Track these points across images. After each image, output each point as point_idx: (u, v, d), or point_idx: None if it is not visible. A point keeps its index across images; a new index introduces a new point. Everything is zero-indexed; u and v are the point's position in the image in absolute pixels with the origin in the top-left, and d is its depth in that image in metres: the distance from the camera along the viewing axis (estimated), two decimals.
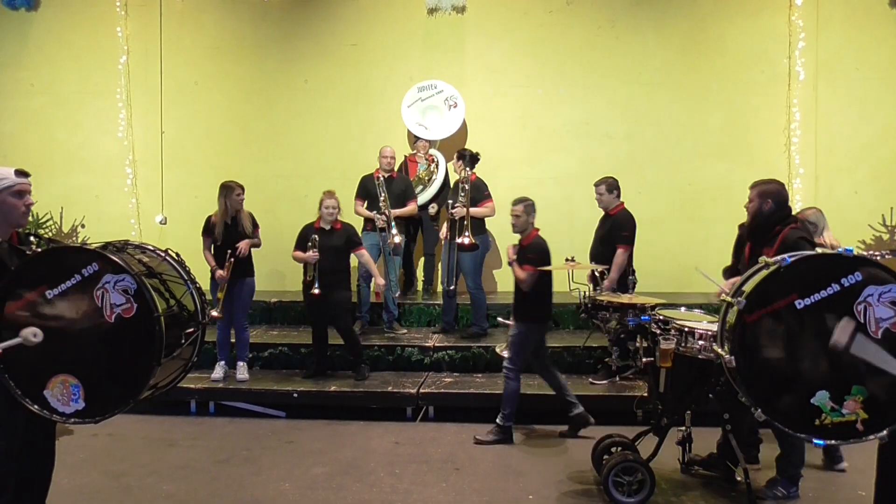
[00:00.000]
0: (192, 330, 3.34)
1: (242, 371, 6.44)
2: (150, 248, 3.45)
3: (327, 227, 6.38)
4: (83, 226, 8.72)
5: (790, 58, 8.14)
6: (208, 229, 6.40)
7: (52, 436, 3.37)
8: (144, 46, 8.80)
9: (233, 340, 6.57)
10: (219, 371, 6.42)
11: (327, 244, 6.28)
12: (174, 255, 3.48)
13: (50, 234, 8.27)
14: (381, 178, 7.16)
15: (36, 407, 3.01)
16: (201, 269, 6.34)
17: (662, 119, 8.41)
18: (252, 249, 6.45)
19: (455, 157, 7.17)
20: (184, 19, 8.80)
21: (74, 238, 8.58)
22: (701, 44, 8.35)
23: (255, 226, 6.53)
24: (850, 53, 8.11)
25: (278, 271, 8.14)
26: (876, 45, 8.06)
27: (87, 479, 4.75)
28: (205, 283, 6.29)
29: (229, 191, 6.36)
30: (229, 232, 6.33)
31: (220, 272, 6.26)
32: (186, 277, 3.43)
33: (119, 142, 8.91)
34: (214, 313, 6.27)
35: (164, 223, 8.67)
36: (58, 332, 2.97)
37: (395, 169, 7.56)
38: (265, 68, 8.79)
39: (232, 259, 6.22)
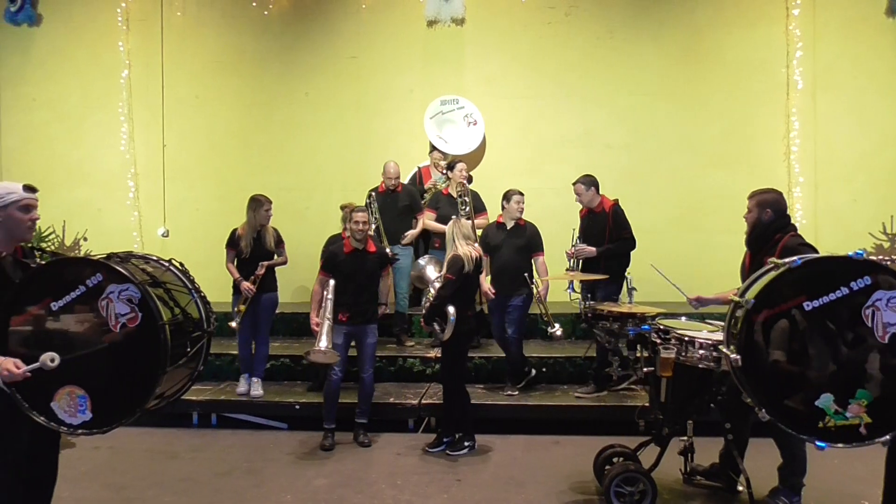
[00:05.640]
0: (197, 334, 3.34)
1: (256, 387, 6.34)
2: (154, 258, 3.44)
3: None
4: (85, 239, 8.75)
5: (788, 67, 8.19)
6: (233, 242, 6.30)
7: (55, 448, 3.38)
8: (146, 60, 8.88)
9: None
10: (244, 385, 6.37)
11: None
12: (178, 264, 3.47)
13: (53, 247, 8.30)
14: (373, 196, 7.21)
15: (43, 419, 3.00)
16: (205, 280, 6.35)
17: (662, 129, 8.45)
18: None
19: (457, 169, 7.22)
20: (185, 33, 8.87)
21: (77, 251, 8.61)
22: (699, 54, 8.39)
23: (280, 242, 6.44)
24: (848, 62, 8.15)
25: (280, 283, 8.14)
26: (873, 54, 8.10)
27: (89, 492, 4.75)
28: (226, 295, 6.35)
29: (258, 205, 6.24)
30: (255, 245, 6.25)
31: (246, 284, 6.18)
32: (191, 286, 3.42)
33: (121, 155, 8.97)
34: (233, 324, 6.27)
35: (166, 236, 8.71)
36: (63, 343, 2.96)
37: (406, 180, 7.71)
38: (266, 81, 8.85)
39: (259, 273, 6.17)
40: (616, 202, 6.22)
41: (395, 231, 7.16)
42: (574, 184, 6.27)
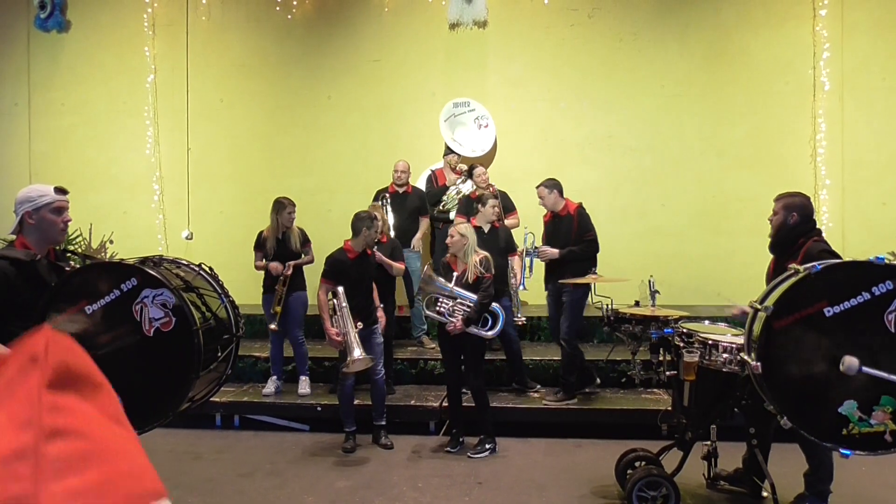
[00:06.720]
0: (227, 338, 3.37)
1: (304, 386, 6.44)
2: (185, 262, 3.51)
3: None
4: (111, 241, 8.85)
5: (815, 68, 8.08)
6: (259, 244, 6.43)
7: None
8: (171, 65, 8.98)
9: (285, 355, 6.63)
10: (271, 386, 6.46)
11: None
12: (207, 269, 3.52)
13: (80, 249, 8.41)
14: (387, 197, 7.22)
15: None
16: (229, 282, 6.39)
17: (686, 131, 8.38)
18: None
19: (476, 174, 7.22)
20: (209, 38, 8.97)
21: (103, 254, 8.72)
22: (725, 55, 8.31)
23: (306, 241, 6.54)
24: (876, 63, 8.03)
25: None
26: None
27: None
28: (249, 297, 6.42)
29: (281, 207, 6.35)
30: (280, 247, 6.35)
31: (273, 264, 6.29)
32: (220, 291, 3.47)
33: (146, 159, 9.09)
34: (273, 326, 6.36)
35: (190, 238, 8.79)
36: (97, 346, 3.00)
37: (422, 181, 7.70)
38: (289, 85, 8.91)
39: (287, 273, 6.29)
40: (580, 205, 6.16)
41: (404, 232, 7.18)
42: (537, 187, 6.23)
